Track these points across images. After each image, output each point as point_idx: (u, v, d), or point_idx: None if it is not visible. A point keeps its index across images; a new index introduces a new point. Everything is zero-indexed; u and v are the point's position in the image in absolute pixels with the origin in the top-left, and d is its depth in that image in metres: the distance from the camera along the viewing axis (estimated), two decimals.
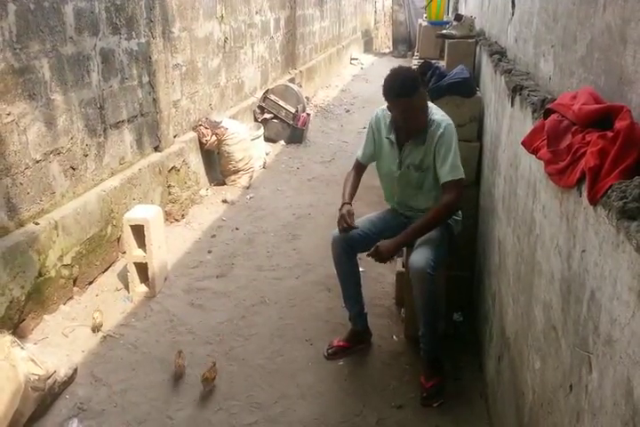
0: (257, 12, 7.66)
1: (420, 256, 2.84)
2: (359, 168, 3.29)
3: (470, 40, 4.56)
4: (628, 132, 1.20)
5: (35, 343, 3.19)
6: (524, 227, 2.16)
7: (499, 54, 3.22)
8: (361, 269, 3.93)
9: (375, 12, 21.15)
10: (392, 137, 3.07)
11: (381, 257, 2.94)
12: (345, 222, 3.01)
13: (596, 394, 1.24)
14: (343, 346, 3.26)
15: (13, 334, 3.00)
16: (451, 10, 9.00)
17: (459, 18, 4.73)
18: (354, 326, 3.31)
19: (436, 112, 3.02)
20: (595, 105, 1.40)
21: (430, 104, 3.06)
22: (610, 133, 1.25)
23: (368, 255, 2.98)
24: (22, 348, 2.78)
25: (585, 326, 1.34)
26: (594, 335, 1.27)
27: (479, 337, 3.26)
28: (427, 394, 2.91)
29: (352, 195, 3.18)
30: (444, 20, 6.12)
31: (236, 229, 4.95)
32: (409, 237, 2.94)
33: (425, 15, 6.90)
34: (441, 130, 2.92)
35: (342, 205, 3.11)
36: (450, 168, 2.90)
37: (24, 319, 3.26)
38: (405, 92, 2.84)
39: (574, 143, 1.39)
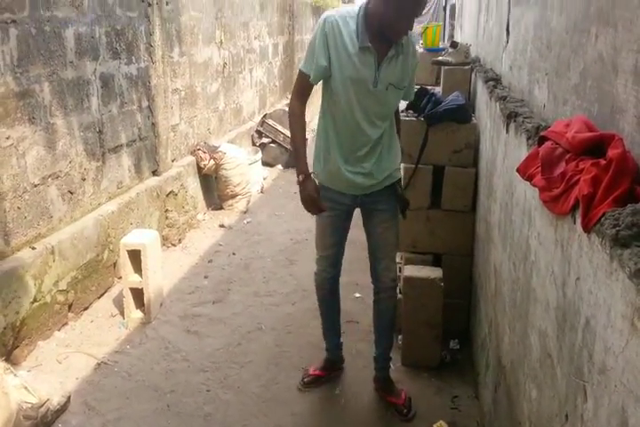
0: (256, 38, 7.77)
1: (387, 271, 2.92)
2: (305, 91, 2.73)
3: (466, 67, 4.61)
4: (620, 160, 1.20)
5: (28, 370, 3.15)
6: (519, 254, 2.16)
7: (494, 81, 3.24)
8: (357, 295, 3.93)
9: None
10: (371, 47, 2.52)
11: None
12: (316, 207, 2.72)
13: (592, 424, 1.23)
14: (319, 375, 3.23)
15: (6, 360, 2.97)
16: (446, 37, 9.13)
17: (454, 45, 4.79)
18: (329, 355, 3.28)
19: None
20: (588, 133, 1.41)
21: None
22: (603, 161, 1.25)
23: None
24: (15, 375, 2.75)
25: (580, 354, 1.33)
26: (589, 364, 1.26)
27: (476, 365, 3.23)
28: (407, 410, 2.94)
29: (305, 151, 2.74)
30: (440, 46, 6.19)
31: (233, 253, 4.94)
32: None
33: (421, 42, 6.98)
34: (412, 45, 2.62)
35: (304, 178, 2.67)
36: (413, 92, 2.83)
37: (18, 346, 3.23)
38: None
39: (568, 171, 1.39)
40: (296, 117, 2.74)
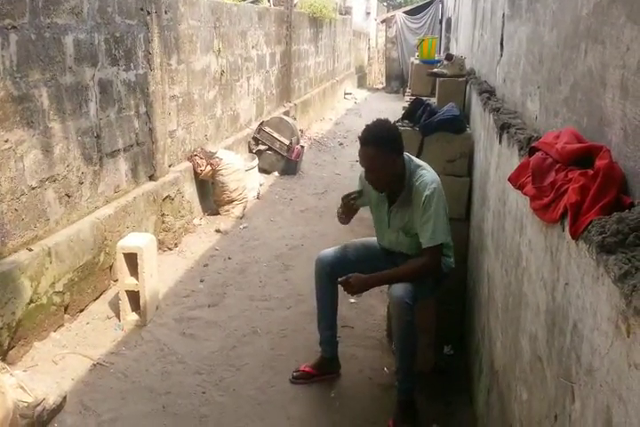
0: (253, 47, 7.84)
1: (401, 286, 2.86)
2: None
3: (460, 79, 4.68)
4: (607, 170, 1.26)
5: (24, 370, 3.17)
6: (511, 260, 2.22)
7: (488, 93, 3.31)
8: (352, 301, 3.96)
9: (369, 48, 21.59)
10: (383, 194, 3.06)
11: (350, 289, 2.98)
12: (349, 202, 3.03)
13: (579, 423, 1.28)
14: (309, 372, 3.27)
15: (3, 360, 3.00)
16: (442, 49, 9.23)
17: (449, 57, 4.87)
18: (323, 353, 3.31)
19: (425, 173, 2.94)
20: (576, 144, 1.47)
21: (421, 163, 3.02)
22: (590, 172, 1.31)
23: (339, 282, 3.00)
24: (11, 374, 2.78)
25: (568, 356, 1.38)
26: (576, 365, 1.31)
27: (470, 370, 3.27)
28: None
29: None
30: (436, 58, 6.27)
31: (229, 258, 4.98)
32: (383, 281, 3.00)
33: (417, 53, 7.07)
34: (427, 192, 2.86)
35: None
36: (431, 234, 2.87)
37: (14, 346, 3.26)
38: (364, 140, 2.86)
39: (557, 180, 1.45)
40: None
